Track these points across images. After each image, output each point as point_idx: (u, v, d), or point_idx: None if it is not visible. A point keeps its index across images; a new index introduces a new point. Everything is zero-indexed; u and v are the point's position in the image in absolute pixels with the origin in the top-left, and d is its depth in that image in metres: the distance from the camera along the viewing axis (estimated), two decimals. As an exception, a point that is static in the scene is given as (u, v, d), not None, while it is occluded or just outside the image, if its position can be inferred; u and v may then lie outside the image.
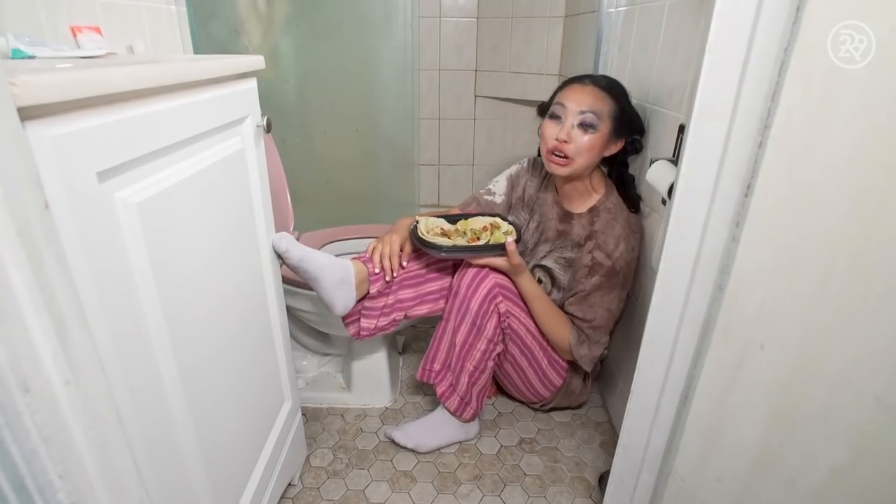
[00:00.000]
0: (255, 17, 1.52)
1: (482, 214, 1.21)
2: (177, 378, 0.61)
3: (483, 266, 1.11)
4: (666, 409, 0.72)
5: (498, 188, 1.32)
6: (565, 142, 1.07)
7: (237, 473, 0.81)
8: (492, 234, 1.13)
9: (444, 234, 1.15)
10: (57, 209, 0.40)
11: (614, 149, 1.11)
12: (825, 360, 0.57)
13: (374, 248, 1.13)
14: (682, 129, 0.97)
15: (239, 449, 0.82)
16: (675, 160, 0.97)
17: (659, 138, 1.08)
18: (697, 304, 0.65)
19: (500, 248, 1.08)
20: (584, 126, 1.06)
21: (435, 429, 1.20)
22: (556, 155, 1.09)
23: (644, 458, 0.79)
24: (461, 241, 1.11)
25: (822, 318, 0.55)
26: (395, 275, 1.12)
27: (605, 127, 1.07)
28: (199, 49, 1.40)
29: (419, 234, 1.11)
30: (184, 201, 0.62)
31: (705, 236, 0.62)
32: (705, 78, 0.58)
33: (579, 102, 1.07)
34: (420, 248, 1.11)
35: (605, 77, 1.13)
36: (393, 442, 1.23)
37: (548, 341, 1.17)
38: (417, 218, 1.17)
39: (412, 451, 1.20)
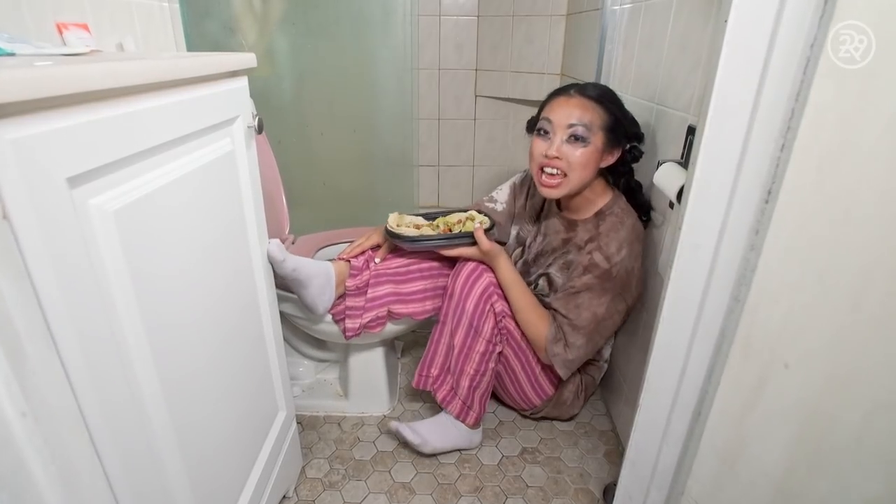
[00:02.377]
0: (250, 14, 1.49)
1: (461, 211, 1.19)
2: (158, 393, 0.57)
3: (456, 257, 1.10)
4: (677, 424, 0.69)
5: (500, 196, 1.30)
6: (556, 157, 1.03)
7: (227, 489, 0.78)
8: (464, 225, 1.12)
9: (418, 228, 1.15)
10: (18, 219, 0.37)
11: (611, 159, 1.07)
12: (859, 384, 0.53)
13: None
14: (690, 130, 0.93)
15: (229, 464, 0.78)
16: (683, 162, 0.94)
17: (666, 140, 1.05)
18: (712, 316, 0.61)
19: (469, 237, 1.06)
20: (575, 140, 1.02)
21: (442, 431, 1.16)
22: (547, 173, 1.06)
23: (653, 475, 0.75)
24: (430, 233, 1.11)
25: (857, 338, 0.51)
26: (349, 259, 1.15)
27: (597, 139, 1.02)
28: (192, 47, 1.36)
29: (388, 227, 1.11)
30: (167, 207, 0.59)
31: (721, 244, 0.58)
32: (722, 75, 0.54)
33: (567, 116, 1.02)
34: (391, 240, 1.12)
35: (594, 86, 1.08)
36: (399, 437, 1.18)
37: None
38: (389, 215, 1.16)
39: (416, 448, 1.16)
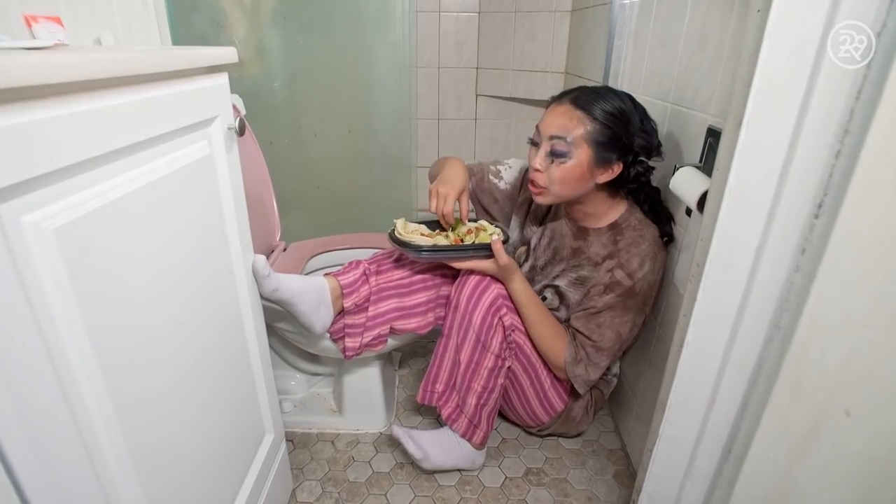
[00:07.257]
0: (240, 8, 1.42)
1: (472, 220, 1.11)
2: (112, 418, 0.50)
3: (469, 270, 1.01)
4: (703, 462, 0.61)
5: (508, 176, 1.20)
6: (538, 171, 0.97)
7: (205, 526, 0.71)
8: (476, 235, 1.04)
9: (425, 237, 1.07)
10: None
11: (608, 175, 0.95)
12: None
13: (432, 194, 1.04)
14: (710, 132, 0.86)
15: (206, 494, 0.71)
16: (702, 166, 0.87)
17: (683, 142, 0.97)
18: (747, 342, 0.54)
19: (485, 249, 0.98)
20: (554, 155, 0.94)
21: (446, 447, 1.09)
22: (532, 184, 1.00)
23: (675, 514, 0.68)
24: (443, 242, 1.03)
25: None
26: (450, 229, 1.06)
27: (582, 154, 0.92)
28: (178, 43, 1.29)
29: (396, 234, 1.03)
30: (128, 219, 0.51)
31: (759, 263, 0.51)
32: (763, 69, 0.47)
33: (550, 126, 0.94)
34: (397, 249, 1.03)
35: (594, 91, 0.95)
36: (400, 447, 1.12)
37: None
38: (395, 220, 1.08)
39: (416, 462, 1.08)
